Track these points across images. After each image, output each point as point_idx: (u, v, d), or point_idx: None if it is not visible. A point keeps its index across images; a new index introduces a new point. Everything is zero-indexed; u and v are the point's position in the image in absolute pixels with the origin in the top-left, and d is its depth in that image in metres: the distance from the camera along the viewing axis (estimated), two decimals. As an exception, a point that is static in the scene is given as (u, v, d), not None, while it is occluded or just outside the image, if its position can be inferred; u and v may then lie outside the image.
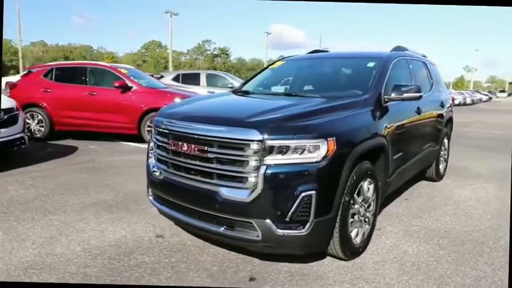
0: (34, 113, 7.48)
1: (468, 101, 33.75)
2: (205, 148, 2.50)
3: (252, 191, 2.36)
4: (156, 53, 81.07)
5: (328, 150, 2.35)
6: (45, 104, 7.54)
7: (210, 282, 2.50)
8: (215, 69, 70.06)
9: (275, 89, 3.76)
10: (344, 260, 2.74)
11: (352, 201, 2.63)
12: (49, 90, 7.60)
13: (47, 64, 8.50)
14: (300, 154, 2.34)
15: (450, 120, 5.25)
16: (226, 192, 2.43)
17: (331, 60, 4.06)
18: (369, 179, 2.81)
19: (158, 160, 2.96)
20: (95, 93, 7.44)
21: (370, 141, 2.80)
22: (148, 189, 3.16)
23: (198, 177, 2.59)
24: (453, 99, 35.58)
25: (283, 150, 2.34)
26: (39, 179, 4.83)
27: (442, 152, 5.02)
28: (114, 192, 4.34)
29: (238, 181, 2.41)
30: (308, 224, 2.35)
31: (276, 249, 2.53)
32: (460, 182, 5.13)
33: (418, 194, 4.53)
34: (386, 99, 3.19)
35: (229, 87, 10.32)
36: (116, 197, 4.19)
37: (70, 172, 5.23)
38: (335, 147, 2.38)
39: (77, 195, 4.20)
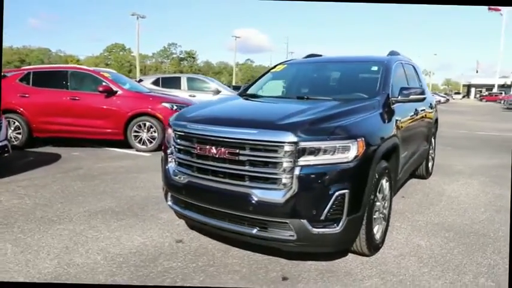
0: (10, 120, 7.08)
1: (429, 103, 35.42)
2: (237, 151, 2.53)
3: (287, 192, 2.41)
4: (120, 56, 78.89)
5: (358, 151, 2.45)
6: (22, 109, 7.18)
7: (244, 284, 2.52)
8: (181, 72, 69.30)
9: (286, 92, 3.82)
10: (367, 255, 2.85)
11: (375, 199, 2.75)
12: (26, 95, 7.24)
13: (24, 68, 8.09)
14: (332, 155, 2.43)
15: (436, 121, 5.58)
16: (260, 194, 2.47)
17: (334, 64, 4.20)
18: (386, 177, 2.96)
19: (180, 164, 2.94)
20: (77, 98, 7.18)
21: (389, 141, 2.95)
22: (166, 194, 3.13)
23: (228, 180, 2.61)
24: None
25: (316, 152, 2.41)
26: (30, 188, 4.61)
27: (430, 151, 5.31)
28: (116, 199, 4.23)
29: (272, 182, 2.46)
30: (341, 222, 2.44)
31: (309, 248, 2.60)
32: (448, 179, 5.45)
33: (413, 191, 4.77)
34: (393, 101, 3.36)
35: (212, 91, 10.31)
36: (119, 204, 4.09)
37: (61, 180, 5.02)
38: (364, 148, 2.49)
39: (78, 204, 4.05)
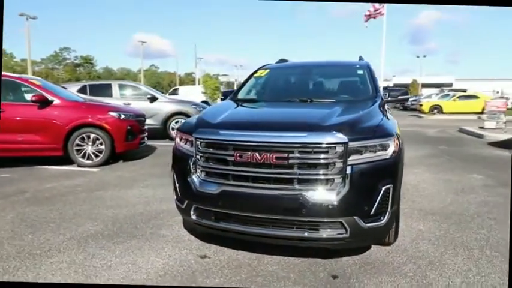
0: None
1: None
2: (286, 155, 2.51)
3: (339, 192, 2.48)
4: None
5: (395, 147, 2.65)
6: None
7: (302, 288, 2.51)
8: (78, 79, 63.48)
9: (285, 96, 3.84)
10: (388, 245, 3.07)
11: (399, 191, 2.99)
12: None
13: None
14: (375, 152, 2.58)
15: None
16: (313, 196, 2.49)
17: (322, 68, 4.39)
18: None
19: (208, 174, 2.78)
20: (1, 110, 6.11)
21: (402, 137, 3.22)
22: (188, 209, 2.90)
23: (273, 185, 2.57)
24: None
25: (362, 150, 2.53)
26: (-24, 220, 3.80)
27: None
28: (97, 222, 3.76)
29: (324, 183, 2.51)
30: (386, 215, 2.60)
31: (357, 244, 2.70)
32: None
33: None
34: (384, 102, 3.69)
35: (149, 98, 9.73)
36: (105, 226, 3.65)
37: (10, 207, 4.24)
38: (398, 144, 2.70)
39: (53, 232, 3.49)
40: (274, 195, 2.56)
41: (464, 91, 29.80)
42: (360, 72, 4.01)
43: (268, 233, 2.64)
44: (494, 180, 5.43)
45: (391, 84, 69.41)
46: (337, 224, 2.53)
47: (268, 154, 2.52)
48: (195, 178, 2.83)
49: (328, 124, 2.60)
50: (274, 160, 2.52)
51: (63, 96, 6.61)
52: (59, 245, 3.20)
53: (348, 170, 2.48)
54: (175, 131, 10.03)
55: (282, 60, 4.89)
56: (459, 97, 25.22)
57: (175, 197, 3.13)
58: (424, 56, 46.13)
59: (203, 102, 14.88)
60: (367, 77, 3.89)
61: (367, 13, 26.47)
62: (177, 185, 3.01)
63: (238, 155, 2.60)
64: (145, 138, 7.49)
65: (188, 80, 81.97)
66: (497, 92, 30.73)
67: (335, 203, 2.47)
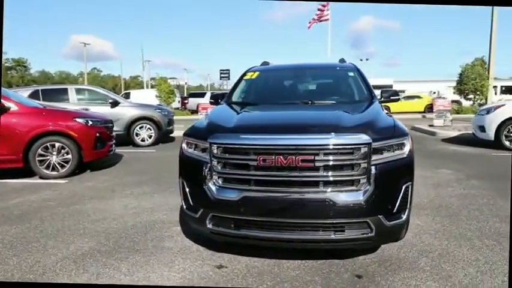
0: None
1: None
2: (312, 157, 2.48)
3: (365, 192, 2.51)
4: None
5: (410, 146, 2.74)
6: None
7: (332, 291, 2.49)
8: (10, 84, 58.42)
9: (283, 98, 3.80)
10: (398, 240, 3.15)
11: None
12: None
13: None
14: (393, 152, 2.64)
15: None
16: (340, 197, 2.49)
17: (315, 70, 4.42)
18: None
19: (227, 180, 2.67)
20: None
21: None
22: (203, 218, 2.75)
23: (297, 189, 2.53)
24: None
25: (383, 150, 2.59)
26: None
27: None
28: (88, 238, 3.46)
29: (350, 184, 2.52)
30: (406, 212, 2.68)
31: (381, 242, 2.74)
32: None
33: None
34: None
35: (110, 102, 9.18)
36: (98, 241, 3.36)
37: (-23, 228, 3.75)
38: (412, 143, 2.79)
39: (41, 253, 3.14)
40: (299, 199, 2.53)
41: (403, 92, 31.94)
42: (351, 74, 4.11)
43: (294, 238, 2.59)
44: (463, 174, 5.86)
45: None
46: (363, 224, 2.55)
47: (294, 157, 2.48)
48: (212, 185, 2.70)
49: (350, 125, 2.63)
50: (300, 163, 2.48)
51: (21, 102, 6.01)
52: (53, 266, 2.89)
53: (372, 170, 2.52)
54: (140, 136, 9.62)
55: (265, 63, 4.86)
56: (404, 97, 26.98)
57: (184, 206, 2.96)
58: (367, 59, 48.67)
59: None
60: (359, 79, 4.00)
61: (315, 17, 27.41)
62: (189, 193, 2.86)
63: (261, 159, 2.52)
64: (114, 146, 7.05)
65: (134, 83, 78.76)
66: (434, 93, 33.32)
67: (362, 203, 2.49)
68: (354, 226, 2.55)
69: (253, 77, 4.30)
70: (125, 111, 9.31)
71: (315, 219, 2.53)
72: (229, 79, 39.49)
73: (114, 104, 9.24)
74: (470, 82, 21.26)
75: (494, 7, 15.07)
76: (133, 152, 8.96)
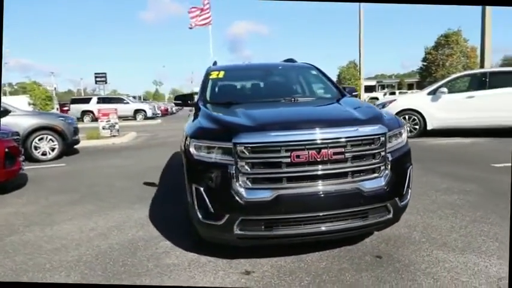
0: None
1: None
2: (342, 150, 2.58)
3: (385, 177, 2.73)
4: None
5: (405, 133, 3.08)
6: None
7: (367, 275, 2.62)
8: None
9: (259, 96, 3.77)
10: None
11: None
12: None
13: None
14: (397, 139, 2.94)
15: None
16: (368, 185, 2.65)
17: (280, 70, 4.47)
18: None
19: (256, 181, 2.57)
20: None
21: None
22: (231, 224, 2.58)
23: (330, 181, 2.60)
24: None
25: (393, 138, 2.86)
26: None
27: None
28: (64, 271, 2.88)
29: (374, 172, 2.70)
30: (410, 192, 3.00)
31: (395, 222, 2.95)
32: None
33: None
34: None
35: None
36: (84, 272, 2.83)
37: None
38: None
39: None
40: (332, 191, 2.60)
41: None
42: (314, 72, 4.35)
43: (326, 230, 2.64)
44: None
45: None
46: (383, 208, 2.76)
47: (327, 150, 2.54)
48: (239, 187, 2.55)
49: (365, 118, 2.81)
50: (332, 156, 2.55)
51: None
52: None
53: (389, 157, 2.75)
54: (39, 150, 8.20)
55: (215, 63, 4.78)
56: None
57: (200, 216, 2.71)
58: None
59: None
60: (322, 77, 4.26)
61: (198, 18, 26.55)
62: (208, 200, 2.64)
63: (295, 155, 2.51)
64: (22, 163, 5.88)
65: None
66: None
67: (384, 188, 2.70)
68: (376, 211, 2.74)
69: (220, 76, 4.16)
70: (19, 121, 7.80)
71: (347, 208, 2.63)
72: (106, 83, 36.50)
73: (4, 113, 7.66)
74: (347, 82, 24.44)
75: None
76: (36, 168, 7.55)
